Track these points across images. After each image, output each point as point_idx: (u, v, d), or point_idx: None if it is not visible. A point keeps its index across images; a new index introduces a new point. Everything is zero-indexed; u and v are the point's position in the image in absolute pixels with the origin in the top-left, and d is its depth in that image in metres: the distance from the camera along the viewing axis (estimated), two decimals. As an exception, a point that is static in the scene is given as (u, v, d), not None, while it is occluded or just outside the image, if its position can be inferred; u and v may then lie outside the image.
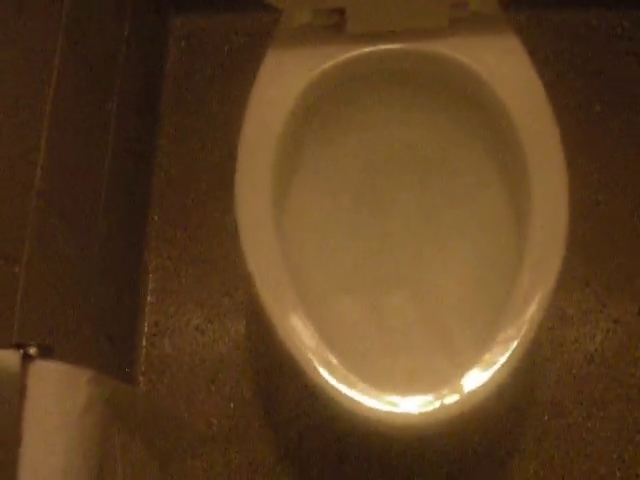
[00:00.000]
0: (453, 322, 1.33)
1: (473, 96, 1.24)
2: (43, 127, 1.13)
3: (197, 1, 1.82)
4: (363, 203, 1.40)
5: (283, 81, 1.21)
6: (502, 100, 1.19)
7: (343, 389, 1.03)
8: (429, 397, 1.02)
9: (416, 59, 1.23)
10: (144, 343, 1.59)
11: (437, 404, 1.01)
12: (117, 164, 1.45)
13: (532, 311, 1.08)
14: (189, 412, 1.54)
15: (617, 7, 1.80)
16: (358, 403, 1.02)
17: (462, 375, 1.03)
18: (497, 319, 1.09)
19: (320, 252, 1.36)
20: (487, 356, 1.05)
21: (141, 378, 1.56)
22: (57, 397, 0.82)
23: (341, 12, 1.21)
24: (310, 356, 1.05)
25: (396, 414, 1.02)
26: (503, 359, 1.05)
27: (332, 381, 1.03)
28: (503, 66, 1.21)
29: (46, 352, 0.84)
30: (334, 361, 1.04)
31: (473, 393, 1.03)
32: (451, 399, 1.02)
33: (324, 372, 1.04)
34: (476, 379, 1.03)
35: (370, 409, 1.02)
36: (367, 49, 1.22)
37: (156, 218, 1.68)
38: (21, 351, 0.80)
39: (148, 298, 1.62)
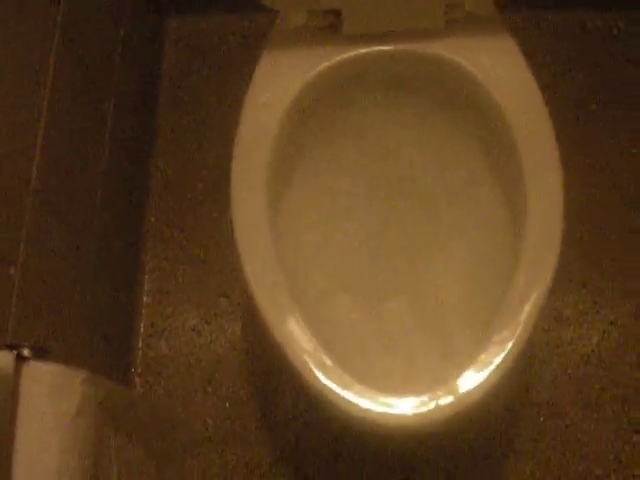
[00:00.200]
0: (450, 323, 1.33)
1: (469, 97, 1.24)
2: (39, 127, 1.13)
3: (193, 2, 1.82)
4: (360, 204, 1.40)
5: (279, 82, 1.21)
6: (497, 101, 1.19)
7: (338, 390, 1.03)
8: (424, 398, 1.02)
9: (412, 60, 1.24)
10: (140, 344, 1.59)
11: (432, 405, 1.01)
12: (113, 164, 1.45)
13: (527, 312, 1.08)
14: (185, 413, 1.54)
15: (613, 8, 1.80)
16: (353, 404, 1.02)
17: (457, 376, 1.03)
18: (492, 320, 1.09)
19: (317, 253, 1.36)
20: (482, 357, 1.05)
21: (137, 379, 1.56)
22: (51, 398, 0.82)
23: (337, 13, 1.21)
24: (305, 357, 1.05)
25: (391, 415, 1.02)
26: (498, 360, 1.05)
27: (327, 382, 1.03)
28: (498, 67, 1.21)
29: (40, 353, 0.84)
30: (329, 362, 1.04)
31: (468, 394, 1.03)
32: (446, 400, 1.02)
33: (319, 373, 1.04)
34: (471, 380, 1.03)
35: (365, 410, 1.02)
36: (363, 50, 1.22)
37: (152, 219, 1.68)
38: (14, 352, 0.80)
39: (144, 299, 1.62)
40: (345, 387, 1.03)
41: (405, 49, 1.23)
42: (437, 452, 1.50)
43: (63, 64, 1.20)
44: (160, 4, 1.81)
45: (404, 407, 1.02)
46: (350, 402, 1.02)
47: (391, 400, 1.02)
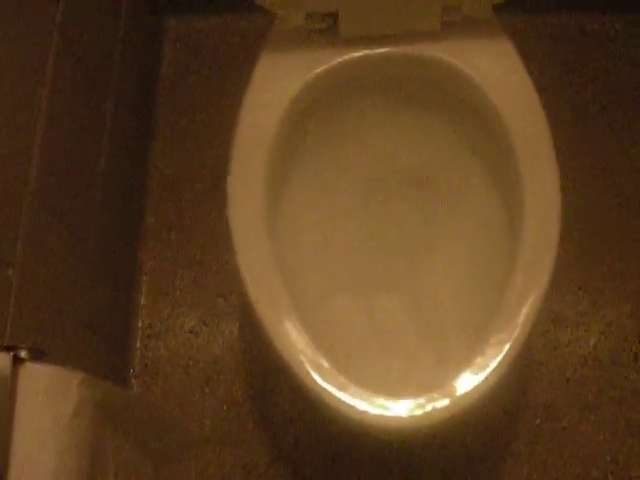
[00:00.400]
0: (447, 325, 1.33)
1: (466, 99, 1.24)
2: (38, 126, 1.13)
3: (192, 2, 1.82)
4: (358, 206, 1.41)
5: (277, 83, 1.21)
6: (494, 103, 1.19)
7: (334, 392, 1.03)
8: (420, 400, 1.02)
9: (409, 63, 1.24)
10: (138, 345, 1.59)
11: (428, 407, 1.02)
12: (112, 165, 1.45)
13: (524, 314, 1.08)
14: (183, 414, 1.54)
15: (610, 10, 1.80)
16: (349, 406, 1.02)
17: (454, 378, 1.04)
18: (489, 322, 1.09)
19: (314, 254, 1.36)
20: (479, 359, 1.05)
21: (135, 380, 1.56)
22: (48, 399, 0.82)
23: (334, 16, 1.21)
24: (302, 359, 1.05)
25: (387, 417, 1.02)
26: (495, 362, 1.05)
27: (323, 384, 1.03)
28: (496, 69, 1.21)
29: (37, 354, 0.84)
30: (325, 364, 1.04)
31: (464, 396, 1.03)
32: (442, 402, 1.02)
33: (315, 375, 1.04)
34: (468, 382, 1.03)
35: (361, 412, 1.02)
36: (360, 52, 1.23)
37: (151, 219, 1.68)
38: (12, 354, 0.80)
39: (142, 300, 1.62)
40: (342, 389, 1.03)
41: (402, 51, 1.23)
42: (434, 454, 1.50)
43: (62, 64, 1.20)
44: (159, 4, 1.81)
45: (400, 409, 1.02)
46: (347, 404, 1.02)
47: (387, 402, 1.02)
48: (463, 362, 1.05)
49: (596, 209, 1.67)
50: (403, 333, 1.35)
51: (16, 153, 1.07)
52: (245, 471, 1.51)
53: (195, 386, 1.56)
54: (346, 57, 1.22)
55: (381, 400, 1.02)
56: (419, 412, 1.01)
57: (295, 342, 1.06)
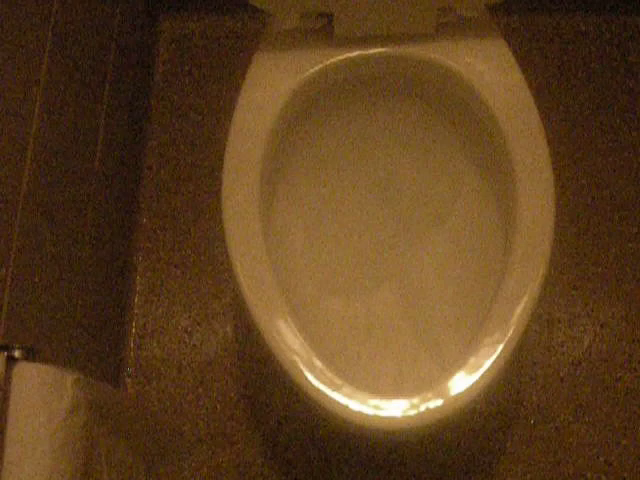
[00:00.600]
0: (441, 326, 1.33)
1: (460, 99, 1.24)
2: (32, 127, 1.12)
3: (187, 3, 1.82)
4: (351, 206, 1.41)
5: (271, 84, 1.21)
6: (489, 103, 1.19)
7: (328, 392, 1.03)
8: (414, 401, 1.02)
9: (403, 63, 1.24)
10: (132, 345, 1.59)
11: (422, 408, 1.02)
12: (106, 165, 1.45)
13: (518, 314, 1.08)
14: (177, 414, 1.54)
15: (606, 12, 1.80)
16: (343, 406, 1.02)
17: (447, 379, 1.04)
18: (483, 322, 1.09)
19: (308, 255, 1.36)
20: (473, 359, 1.05)
21: (128, 380, 1.56)
22: (42, 399, 0.82)
23: (329, 16, 1.21)
24: (295, 359, 1.05)
25: (381, 417, 1.02)
26: (489, 362, 1.05)
27: (317, 384, 1.03)
28: (490, 70, 1.21)
29: (31, 354, 0.84)
30: (319, 364, 1.04)
31: (458, 397, 1.03)
32: (436, 403, 1.02)
33: (309, 375, 1.04)
34: (461, 383, 1.03)
35: (355, 412, 1.02)
36: (354, 53, 1.23)
37: (145, 220, 1.68)
38: (5, 353, 0.80)
39: (136, 300, 1.62)
40: (335, 389, 1.03)
41: (397, 52, 1.23)
42: (428, 454, 1.50)
43: (56, 66, 1.20)
44: (154, 5, 1.81)
45: (394, 410, 1.02)
46: (340, 404, 1.02)
47: (381, 402, 1.02)
48: (457, 362, 1.05)
49: (590, 211, 1.67)
50: (397, 333, 1.35)
51: (10, 153, 1.06)
52: (238, 472, 1.51)
53: (189, 386, 1.56)
54: (340, 57, 1.22)
55: (375, 400, 1.02)
56: (413, 412, 1.01)
57: (289, 342, 1.06)
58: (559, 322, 1.60)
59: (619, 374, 1.56)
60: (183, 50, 1.82)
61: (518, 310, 1.08)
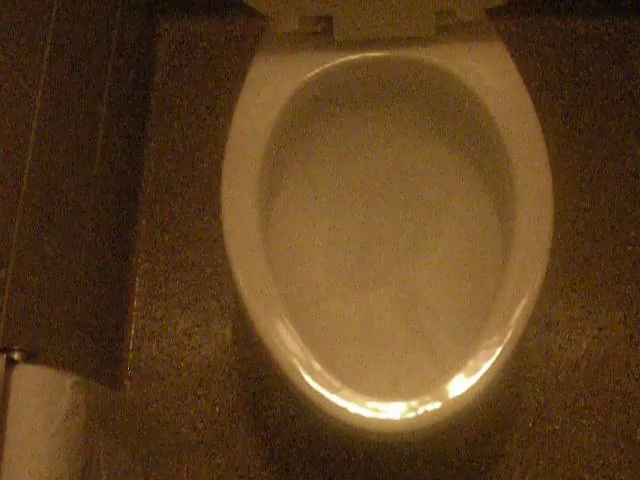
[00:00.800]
0: (440, 328, 1.33)
1: (459, 103, 1.24)
2: (31, 130, 1.13)
3: (186, 5, 1.82)
4: (350, 208, 1.41)
5: (270, 87, 1.21)
6: (488, 107, 1.19)
7: (326, 395, 1.03)
8: (412, 403, 1.02)
9: (403, 67, 1.24)
10: (131, 347, 1.59)
11: (420, 411, 1.02)
12: (106, 167, 1.45)
13: (517, 317, 1.08)
14: (175, 416, 1.53)
15: (604, 15, 1.81)
16: (341, 409, 1.02)
17: (446, 381, 1.04)
18: (482, 325, 1.09)
19: (308, 257, 1.36)
20: (471, 362, 1.05)
21: (127, 382, 1.56)
22: (41, 401, 0.82)
23: (328, 19, 1.21)
24: (294, 361, 1.05)
25: (379, 420, 1.02)
26: (487, 365, 1.05)
27: (315, 386, 1.03)
28: (489, 73, 1.21)
29: (30, 356, 0.84)
30: (317, 366, 1.04)
31: (457, 399, 1.03)
32: (434, 405, 1.02)
33: (307, 377, 1.04)
34: (460, 385, 1.03)
35: (353, 415, 1.02)
36: (354, 56, 1.23)
37: (144, 222, 1.68)
38: (5, 355, 0.80)
39: (135, 302, 1.62)
40: (334, 391, 1.03)
41: (396, 55, 1.23)
42: (426, 456, 1.50)
43: (55, 67, 1.20)
44: (153, 7, 1.81)
45: (392, 412, 1.02)
46: (338, 407, 1.02)
47: (380, 405, 1.02)
48: (455, 365, 1.05)
49: (588, 214, 1.67)
50: (396, 336, 1.35)
51: (9, 155, 1.07)
52: (237, 474, 1.51)
53: (188, 388, 1.56)
54: (340, 61, 1.22)
55: (373, 403, 1.02)
56: (411, 415, 1.01)
57: (288, 344, 1.06)
58: (557, 325, 1.60)
59: (617, 377, 1.56)
60: (183, 52, 1.82)
61: (516, 313, 1.08)
